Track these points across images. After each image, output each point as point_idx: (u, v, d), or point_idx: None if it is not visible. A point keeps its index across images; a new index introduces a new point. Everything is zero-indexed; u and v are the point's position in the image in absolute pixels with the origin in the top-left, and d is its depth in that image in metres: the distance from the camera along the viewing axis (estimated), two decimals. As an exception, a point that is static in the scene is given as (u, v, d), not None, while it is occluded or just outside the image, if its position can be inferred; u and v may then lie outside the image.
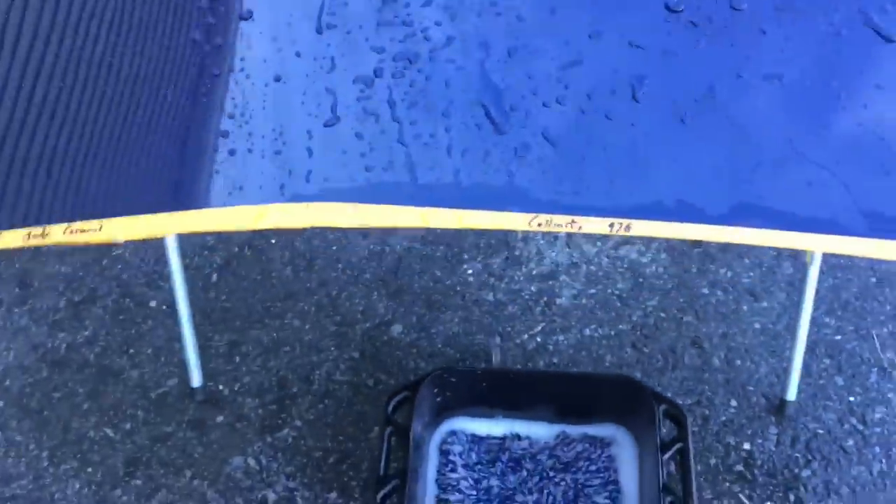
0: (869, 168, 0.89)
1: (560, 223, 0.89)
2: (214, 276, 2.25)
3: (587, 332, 2.12)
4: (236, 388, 2.00)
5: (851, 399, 1.93)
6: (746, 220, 0.87)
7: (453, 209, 0.91)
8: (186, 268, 2.09)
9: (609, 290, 2.20)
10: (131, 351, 2.09)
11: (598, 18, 0.96)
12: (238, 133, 0.93)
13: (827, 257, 2.12)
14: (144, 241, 2.33)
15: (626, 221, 0.88)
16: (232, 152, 0.92)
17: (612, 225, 0.89)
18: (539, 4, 0.97)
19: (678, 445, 1.56)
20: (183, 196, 0.92)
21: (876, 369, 1.98)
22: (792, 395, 1.88)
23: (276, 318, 2.16)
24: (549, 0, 0.97)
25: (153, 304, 2.20)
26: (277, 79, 0.96)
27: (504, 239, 2.34)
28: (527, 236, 2.33)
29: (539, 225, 0.89)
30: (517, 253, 2.30)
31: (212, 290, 2.22)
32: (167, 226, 0.92)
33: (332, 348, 2.09)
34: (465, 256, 2.30)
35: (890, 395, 1.93)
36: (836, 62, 0.93)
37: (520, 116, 0.93)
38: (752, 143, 0.91)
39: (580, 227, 0.89)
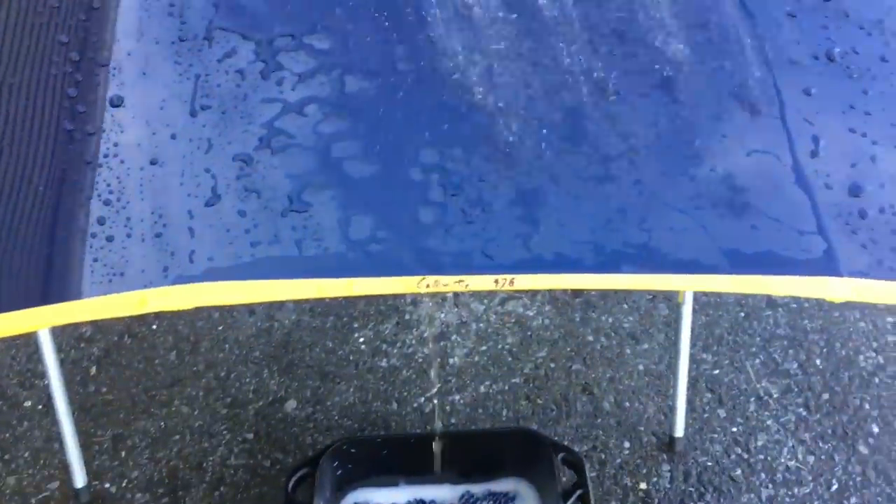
0: (724, 211, 0.96)
1: (447, 282, 0.91)
2: (93, 369, 2.15)
3: (482, 388, 2.15)
4: (124, 485, 1.90)
5: (734, 430, 2.02)
6: (618, 268, 0.92)
7: (342, 278, 0.92)
8: (62, 362, 1.99)
9: (500, 346, 2.24)
10: (6, 456, 1.95)
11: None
12: (115, 219, 0.92)
13: (698, 296, 2.24)
14: (15, 339, 2.20)
15: (509, 276, 0.92)
16: (110, 238, 0.91)
17: (496, 281, 0.92)
18: (400, 76, 1.01)
19: (579, 492, 1.59)
20: (60, 287, 0.89)
21: (753, 398, 2.09)
22: (679, 431, 1.96)
23: (162, 406, 2.07)
24: (413, 69, 1.02)
25: (28, 403, 2.07)
26: (153, 162, 0.96)
27: (394, 304, 2.35)
28: (416, 300, 2.36)
29: (427, 286, 0.91)
30: (407, 317, 2.31)
31: (91, 384, 2.12)
32: (45, 318, 0.88)
33: (225, 432, 2.02)
34: (356, 325, 2.29)
35: (769, 423, 2.04)
36: (690, 119, 1.01)
37: (398, 181, 0.96)
38: (618, 194, 0.96)
39: (467, 286, 0.92)
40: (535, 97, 1.02)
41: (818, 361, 2.17)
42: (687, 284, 0.92)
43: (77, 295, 0.89)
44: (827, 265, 0.92)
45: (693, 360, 2.17)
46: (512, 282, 0.92)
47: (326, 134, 0.98)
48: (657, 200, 0.96)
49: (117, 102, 0.99)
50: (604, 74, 1.05)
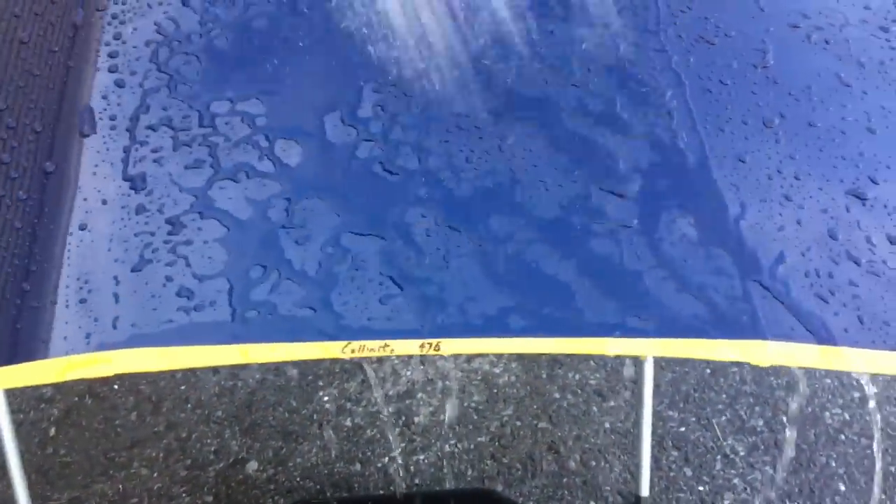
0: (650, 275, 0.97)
1: (373, 348, 0.91)
2: (52, 430, 2.12)
3: (447, 448, 2.12)
4: (78, 550, 1.86)
5: (701, 489, 2.00)
6: (551, 331, 0.93)
7: (270, 343, 0.92)
8: (21, 423, 1.96)
9: (465, 404, 2.23)
10: (-43, 522, 1.91)
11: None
12: (40, 286, 0.91)
13: (663, 353, 2.23)
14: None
15: (434, 341, 0.91)
16: (33, 306, 0.90)
17: (422, 346, 0.92)
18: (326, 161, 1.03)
19: (537, 555, 1.56)
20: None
21: (720, 457, 2.07)
22: (645, 490, 1.93)
23: (121, 468, 2.04)
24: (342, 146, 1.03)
25: (-17, 466, 2.04)
26: (82, 227, 0.96)
27: (359, 362, 2.34)
28: (381, 357, 2.34)
29: (353, 351, 0.91)
30: (373, 375, 2.30)
31: (49, 446, 2.09)
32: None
33: (184, 495, 1.99)
34: (321, 383, 2.27)
35: (735, 481, 2.01)
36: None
37: (324, 250, 0.96)
38: (544, 258, 0.97)
39: (392, 350, 0.91)
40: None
41: (784, 418, 2.16)
42: (615, 348, 0.92)
43: (6, 361, 0.89)
44: (752, 329, 0.93)
45: (659, 417, 2.16)
46: (437, 346, 0.92)
47: (258, 202, 0.99)
48: (584, 265, 0.96)
49: (50, 169, 0.99)
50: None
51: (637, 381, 2.10)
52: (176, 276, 0.94)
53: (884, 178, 1.05)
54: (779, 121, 1.10)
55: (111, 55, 1.08)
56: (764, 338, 0.92)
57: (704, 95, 1.11)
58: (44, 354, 0.89)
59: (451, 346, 0.92)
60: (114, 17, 1.11)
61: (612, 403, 2.21)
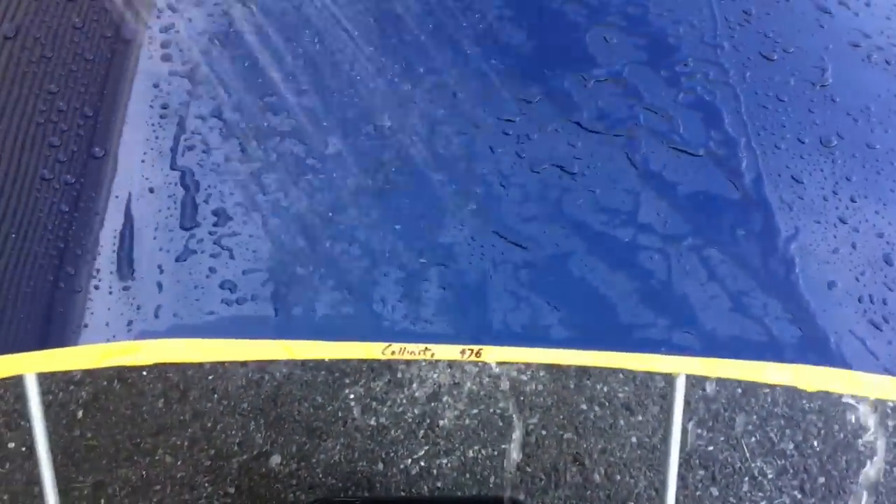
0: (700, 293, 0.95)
1: (413, 351, 0.90)
2: (80, 413, 2.14)
3: (470, 453, 2.11)
4: (100, 534, 1.87)
5: (727, 509, 1.97)
6: (593, 344, 0.91)
7: (310, 340, 0.91)
8: (50, 405, 1.98)
9: (491, 410, 2.21)
10: (-16, 498, 1.93)
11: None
12: (84, 271, 0.91)
13: (695, 369, 2.20)
14: (5, 378, 2.20)
15: (476, 347, 0.90)
16: (77, 290, 0.90)
17: (463, 351, 0.90)
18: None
19: (558, 568, 1.54)
20: (27, 335, 0.89)
21: (747, 478, 2.04)
22: (670, 508, 1.90)
23: (145, 454, 2.05)
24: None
25: (11, 445, 2.06)
26: (128, 214, 0.96)
27: (387, 362, 2.33)
28: (413, 360, 2.34)
29: (393, 353, 0.90)
30: (399, 375, 2.29)
31: (76, 428, 2.10)
32: (3, 367, 0.87)
33: (206, 484, 1.99)
34: (347, 381, 2.27)
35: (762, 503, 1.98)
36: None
37: (372, 249, 0.95)
38: (594, 271, 0.95)
39: (433, 354, 0.90)
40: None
41: (815, 443, 2.12)
42: (661, 365, 0.91)
43: (46, 345, 0.89)
44: (801, 353, 0.90)
45: (687, 434, 2.13)
46: (479, 353, 0.90)
47: (306, 196, 0.98)
48: (630, 279, 0.95)
49: (98, 154, 1.00)
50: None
51: (667, 397, 2.07)
52: (220, 268, 0.93)
53: (943, 205, 1.02)
54: (836, 141, 1.07)
55: (164, 44, 1.08)
56: (814, 363, 0.90)
57: (760, 112, 1.09)
58: (84, 339, 0.89)
59: (493, 353, 0.91)
60: (168, 4, 1.12)
61: (640, 418, 2.18)
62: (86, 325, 0.89)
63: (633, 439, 2.14)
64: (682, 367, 0.90)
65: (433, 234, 0.96)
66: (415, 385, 2.27)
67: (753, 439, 2.13)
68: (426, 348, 0.90)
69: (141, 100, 1.04)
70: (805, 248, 0.98)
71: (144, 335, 0.89)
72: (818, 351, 0.90)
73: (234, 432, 2.13)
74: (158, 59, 1.08)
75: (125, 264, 0.92)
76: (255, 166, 0.99)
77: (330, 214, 0.97)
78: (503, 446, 2.11)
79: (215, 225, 0.96)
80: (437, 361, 2.30)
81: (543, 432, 2.15)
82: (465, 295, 0.93)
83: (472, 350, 0.90)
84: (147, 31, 1.10)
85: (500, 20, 1.13)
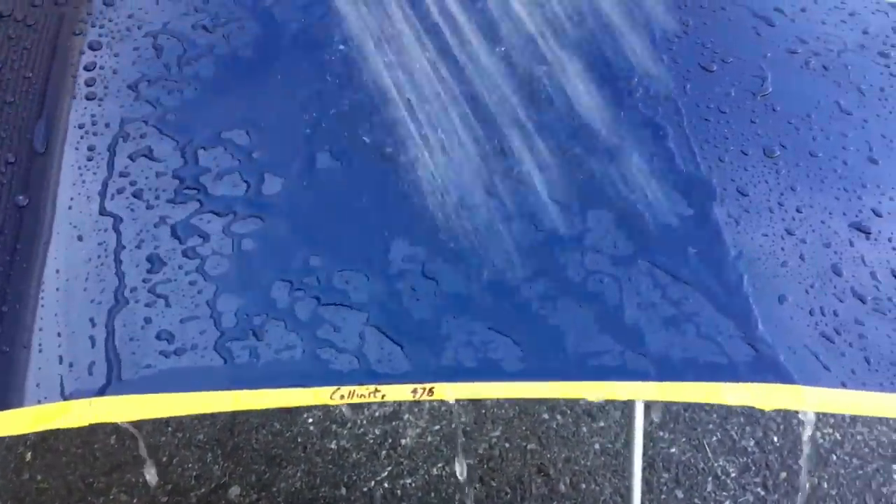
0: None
1: (363, 393, 0.87)
2: (28, 455, 2.06)
3: (434, 471, 2.08)
4: (54, 582, 1.81)
5: (692, 511, 1.97)
6: (548, 375, 0.89)
7: (257, 389, 0.88)
8: (-6, 450, 1.91)
9: (453, 425, 2.19)
10: (-72, 553, 1.85)
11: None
12: (11, 329, 0.87)
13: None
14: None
15: (428, 385, 0.88)
16: (4, 351, 0.86)
17: (415, 391, 0.88)
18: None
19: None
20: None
21: (711, 477, 2.05)
22: (636, 514, 1.90)
23: (99, 494, 1.98)
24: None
25: (-46, 495, 1.97)
26: (57, 265, 0.91)
27: (344, 382, 2.29)
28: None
29: (342, 397, 0.87)
30: (358, 396, 2.25)
31: (25, 471, 2.03)
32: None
33: (164, 522, 1.94)
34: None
35: (727, 503, 1.99)
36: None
37: (311, 290, 0.92)
38: (539, 302, 0.93)
39: (384, 396, 0.87)
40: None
41: (775, 438, 2.14)
42: (616, 392, 0.89)
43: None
44: (756, 371, 0.90)
45: (650, 437, 2.13)
46: (431, 391, 0.88)
47: (243, 237, 0.95)
48: (581, 305, 0.93)
49: (22, 203, 0.95)
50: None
51: (628, 402, 2.07)
52: (155, 317, 0.89)
53: (888, 211, 1.02)
54: (779, 150, 1.07)
55: (88, 83, 1.04)
56: (767, 380, 0.89)
57: (703, 124, 1.08)
58: (17, 403, 0.84)
59: (446, 390, 0.88)
60: (90, 43, 1.07)
61: (601, 424, 2.18)
62: (17, 388, 0.84)
63: (597, 446, 2.13)
64: (638, 393, 0.88)
65: (379, 271, 0.93)
66: (374, 405, 2.24)
67: (715, 438, 2.14)
68: (376, 389, 0.87)
69: (67, 141, 1.00)
70: (753, 263, 0.97)
71: (78, 394, 0.84)
72: (772, 368, 0.89)
73: (190, 465, 2.07)
74: (83, 98, 1.04)
75: (54, 318, 0.88)
76: (191, 208, 0.95)
77: (270, 256, 0.93)
78: (467, 462, 2.09)
79: (149, 272, 0.92)
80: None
81: (507, 445, 2.14)
82: (414, 332, 0.90)
83: (424, 388, 0.88)
84: (71, 70, 1.05)
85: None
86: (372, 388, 0.87)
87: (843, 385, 0.89)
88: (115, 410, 0.84)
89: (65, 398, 0.84)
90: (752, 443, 2.13)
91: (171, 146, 0.99)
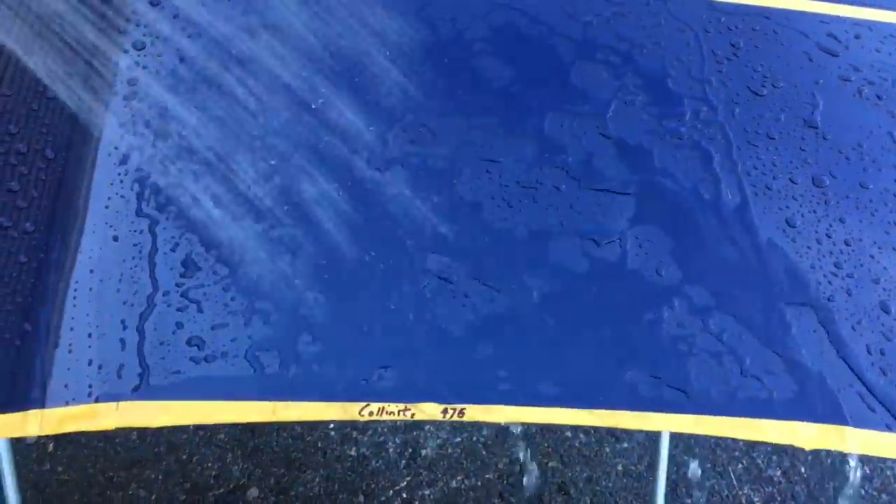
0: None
1: (392, 410, 0.86)
2: (51, 446, 2.07)
3: (454, 483, 2.06)
4: (70, 575, 1.81)
5: (714, 539, 1.94)
6: (571, 402, 0.87)
7: (286, 401, 0.86)
8: (19, 439, 1.91)
9: (474, 438, 2.16)
10: (-53, 539, 1.86)
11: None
12: (42, 327, 0.86)
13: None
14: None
15: (459, 406, 0.86)
16: (34, 349, 0.85)
17: (445, 411, 0.86)
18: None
19: None
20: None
21: (735, 506, 2.01)
22: (657, 539, 1.87)
23: (118, 489, 1.98)
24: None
25: (-22, 481, 1.98)
26: (90, 264, 0.91)
27: (367, 388, 2.27)
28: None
29: (371, 414, 0.85)
30: (380, 403, 2.24)
31: (47, 462, 2.03)
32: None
33: (182, 520, 1.93)
34: (327, 409, 2.21)
35: (750, 532, 1.95)
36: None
37: (344, 305, 0.91)
38: (577, 331, 0.91)
39: (413, 415, 0.86)
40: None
41: (803, 469, 2.09)
42: (651, 423, 0.87)
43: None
44: (799, 407, 0.87)
45: (673, 461, 2.09)
46: (462, 412, 0.86)
47: (279, 245, 0.93)
48: (620, 332, 0.91)
49: (59, 201, 0.94)
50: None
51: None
52: (187, 322, 0.88)
53: (939, 249, 0.99)
54: (829, 181, 1.04)
55: (130, 82, 1.03)
56: (810, 419, 0.86)
57: (750, 150, 1.05)
58: (42, 403, 0.84)
59: (476, 412, 0.86)
60: (134, 45, 1.07)
61: (625, 445, 2.15)
62: (44, 387, 0.84)
63: (619, 467, 2.10)
64: (676, 426, 0.86)
65: (413, 290, 0.91)
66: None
67: (740, 466, 2.10)
68: (406, 408, 0.86)
69: (106, 142, 0.99)
70: (799, 297, 0.94)
71: (106, 397, 0.83)
72: (816, 407, 0.86)
73: (210, 464, 2.07)
74: (121, 99, 1.03)
75: (85, 319, 0.87)
76: (228, 213, 0.94)
77: (306, 268, 0.92)
78: (487, 476, 2.07)
79: (182, 276, 0.91)
80: (418, 388, 2.25)
81: (528, 461, 2.11)
82: (449, 351, 0.88)
83: (454, 409, 0.86)
84: (111, 71, 1.05)
85: (484, 52, 1.09)
86: (402, 405, 0.85)
87: (888, 427, 0.86)
88: (142, 416, 0.83)
89: (93, 401, 0.83)
90: (778, 472, 2.08)
91: (210, 150, 0.99)
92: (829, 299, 0.94)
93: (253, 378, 0.86)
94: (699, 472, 2.08)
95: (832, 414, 0.86)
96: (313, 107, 1.03)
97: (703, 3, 1.14)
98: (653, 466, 1.82)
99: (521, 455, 2.12)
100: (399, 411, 0.85)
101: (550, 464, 2.11)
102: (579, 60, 1.10)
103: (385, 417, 0.85)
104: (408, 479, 2.07)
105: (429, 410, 0.86)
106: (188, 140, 1.00)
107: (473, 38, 1.07)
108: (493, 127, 1.01)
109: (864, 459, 2.11)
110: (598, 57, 1.10)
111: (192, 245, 0.93)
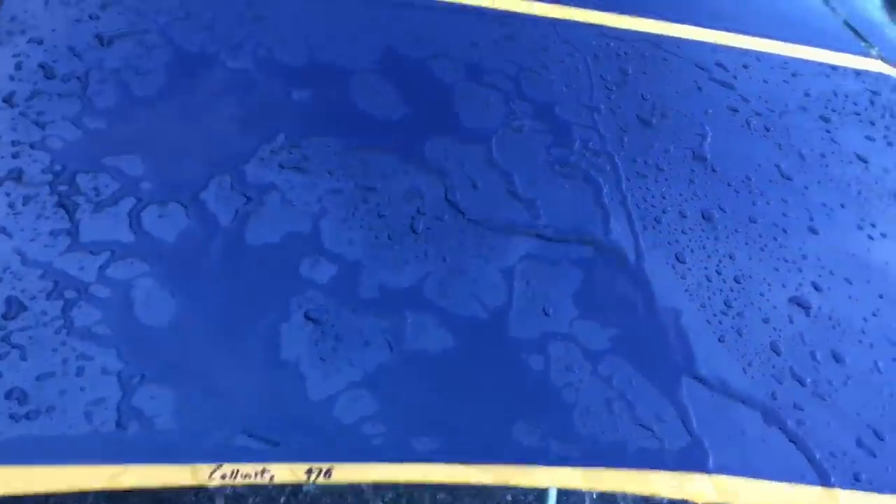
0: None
1: (248, 473, 0.75)
2: None
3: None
4: None
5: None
6: (462, 456, 0.80)
7: (124, 465, 0.75)
8: None
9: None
10: None
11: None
12: None
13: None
14: None
15: (325, 466, 0.76)
16: None
17: (310, 471, 0.77)
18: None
19: None
20: None
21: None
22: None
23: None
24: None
25: None
26: None
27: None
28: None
29: (223, 477, 0.75)
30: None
31: None
32: None
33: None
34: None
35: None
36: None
37: (194, 351, 0.80)
38: (455, 384, 0.84)
39: (272, 478, 0.76)
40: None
41: None
42: (539, 478, 0.80)
43: None
44: (691, 457, 0.82)
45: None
46: (328, 472, 0.77)
47: (120, 280, 0.82)
48: (503, 382, 0.84)
49: None
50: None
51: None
52: (7, 371, 0.76)
53: (827, 286, 0.96)
54: (718, 214, 1.01)
55: (-49, 91, 0.90)
56: (704, 470, 0.81)
57: (640, 181, 1.01)
58: None
59: (345, 472, 0.77)
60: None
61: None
62: None
63: (510, 500, 2.03)
64: (562, 480, 0.79)
65: (272, 334, 0.82)
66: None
67: None
68: (264, 469, 0.76)
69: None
70: (689, 337, 0.90)
71: None
72: (703, 457, 0.82)
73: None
74: (-56, 109, 0.89)
75: None
76: (63, 244, 0.82)
77: (147, 306, 0.81)
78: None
79: (4, 317, 0.78)
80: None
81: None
82: (313, 405, 0.79)
83: (320, 469, 0.76)
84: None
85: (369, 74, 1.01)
86: (260, 466, 0.75)
87: (787, 478, 0.82)
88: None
89: None
90: None
91: (45, 170, 0.86)
92: (720, 340, 0.90)
93: (86, 437, 0.74)
94: None
95: (727, 463, 0.81)
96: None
97: (592, 28, 1.10)
98: None
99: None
100: (256, 473, 0.75)
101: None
102: (465, 83, 1.03)
103: (240, 481, 0.74)
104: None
105: (290, 471, 0.76)
106: (21, 159, 0.87)
107: (356, 58, 0.99)
108: (373, 152, 0.93)
109: None
110: (484, 80, 1.04)
111: (21, 280, 0.80)
